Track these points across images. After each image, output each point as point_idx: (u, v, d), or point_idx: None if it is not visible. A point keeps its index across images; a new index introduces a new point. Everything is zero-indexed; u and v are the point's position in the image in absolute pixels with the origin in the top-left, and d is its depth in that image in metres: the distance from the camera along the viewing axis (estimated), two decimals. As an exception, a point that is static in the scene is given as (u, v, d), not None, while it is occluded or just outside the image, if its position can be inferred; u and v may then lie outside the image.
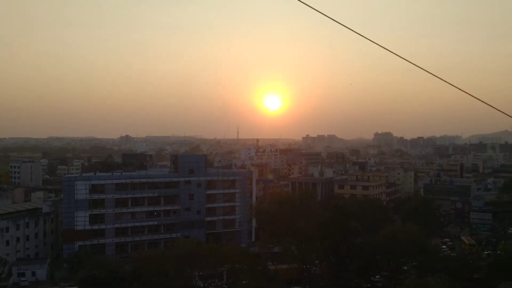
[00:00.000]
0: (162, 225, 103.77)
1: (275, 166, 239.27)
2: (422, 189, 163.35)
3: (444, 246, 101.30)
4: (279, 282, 66.05)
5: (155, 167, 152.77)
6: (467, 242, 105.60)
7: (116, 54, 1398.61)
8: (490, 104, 18.00)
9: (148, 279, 55.68)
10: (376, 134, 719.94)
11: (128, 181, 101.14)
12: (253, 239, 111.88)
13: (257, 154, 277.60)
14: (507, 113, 18.45)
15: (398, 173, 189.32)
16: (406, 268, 73.84)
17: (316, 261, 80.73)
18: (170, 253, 63.37)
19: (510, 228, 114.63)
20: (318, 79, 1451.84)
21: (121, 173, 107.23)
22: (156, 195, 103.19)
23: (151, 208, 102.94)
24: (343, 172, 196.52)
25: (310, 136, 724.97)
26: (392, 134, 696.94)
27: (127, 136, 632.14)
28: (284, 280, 76.75)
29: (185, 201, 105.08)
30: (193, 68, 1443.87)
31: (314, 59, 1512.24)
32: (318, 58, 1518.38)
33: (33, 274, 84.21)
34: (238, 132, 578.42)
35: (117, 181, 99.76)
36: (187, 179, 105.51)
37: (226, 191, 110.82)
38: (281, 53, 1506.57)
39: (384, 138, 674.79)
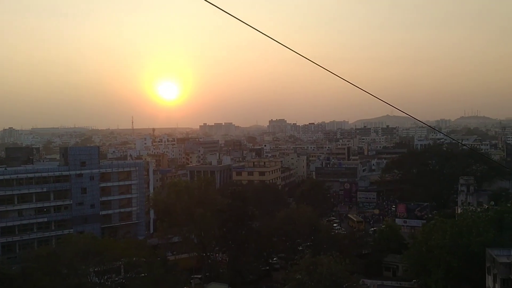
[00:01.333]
0: (53, 221, 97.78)
1: (173, 155, 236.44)
2: (314, 172, 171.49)
3: (335, 225, 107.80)
4: (179, 272, 65.76)
5: (44, 161, 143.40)
6: (355, 219, 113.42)
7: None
8: (369, 92, 19.52)
9: (39, 278, 52.45)
10: (271, 121, 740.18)
11: (13, 176, 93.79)
12: (152, 231, 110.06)
13: (154, 144, 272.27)
14: (384, 100, 20.13)
15: (292, 158, 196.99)
16: (301, 248, 77.47)
17: (216, 248, 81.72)
18: (63, 250, 60.32)
19: (393, 206, 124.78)
20: (215, 68, 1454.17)
21: (5, 169, 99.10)
22: (45, 190, 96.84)
23: (40, 205, 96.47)
24: (241, 159, 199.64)
25: (207, 124, 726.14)
26: (285, 120, 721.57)
27: (10, 128, 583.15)
28: (185, 270, 76.80)
29: (77, 196, 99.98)
30: (80, 54, 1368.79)
31: (210, 49, 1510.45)
32: (214, 48, 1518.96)
33: None
34: (132, 122, 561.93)
35: (1, 177, 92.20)
36: (78, 172, 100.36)
37: (122, 183, 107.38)
38: (177, 42, 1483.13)
39: (278, 125, 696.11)
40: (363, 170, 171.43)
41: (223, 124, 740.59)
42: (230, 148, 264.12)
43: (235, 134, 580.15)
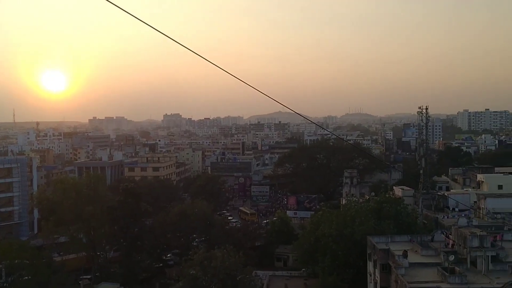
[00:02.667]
0: None
1: (59, 151, 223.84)
2: (209, 167, 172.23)
3: (230, 218, 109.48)
4: (66, 273, 62.47)
5: None
6: (248, 212, 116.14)
7: None
8: (258, 89, 20.17)
9: None
10: (165, 116, 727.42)
11: None
12: (36, 231, 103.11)
13: (38, 138, 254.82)
14: (273, 98, 20.90)
15: (187, 153, 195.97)
16: (195, 243, 77.52)
17: (107, 247, 78.94)
18: None
19: (285, 198, 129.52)
20: (106, 61, 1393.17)
21: None
22: None
23: None
24: (133, 154, 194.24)
25: (97, 118, 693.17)
26: (181, 115, 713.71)
27: None
28: (73, 270, 73.04)
29: None
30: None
31: (101, 41, 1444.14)
32: (105, 41, 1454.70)
33: None
34: (14, 115, 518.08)
35: None
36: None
37: (2, 180, 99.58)
38: (63, 31, 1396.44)
39: (173, 120, 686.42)
40: (257, 165, 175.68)
41: (115, 118, 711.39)
42: (122, 143, 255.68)
43: (127, 128, 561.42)
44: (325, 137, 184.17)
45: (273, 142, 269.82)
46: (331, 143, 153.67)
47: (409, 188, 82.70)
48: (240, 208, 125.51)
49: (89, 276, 72.88)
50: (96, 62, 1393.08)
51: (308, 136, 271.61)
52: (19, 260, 55.68)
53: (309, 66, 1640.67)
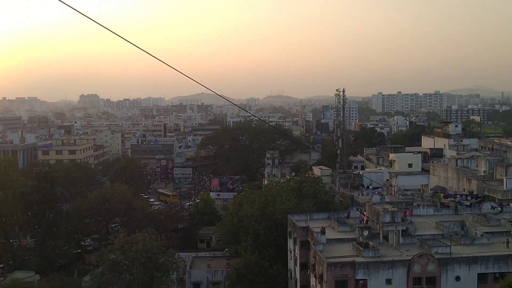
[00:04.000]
0: None
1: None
2: (129, 149, 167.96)
3: (152, 200, 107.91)
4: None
5: None
6: (169, 193, 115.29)
7: None
8: (179, 70, 19.91)
9: None
10: (81, 96, 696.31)
11: None
12: None
13: None
14: (194, 79, 20.74)
15: (106, 135, 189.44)
16: (116, 227, 75.69)
17: (20, 234, 74.96)
18: None
19: (208, 180, 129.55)
20: (15, 37, 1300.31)
21: None
22: None
23: None
24: (48, 137, 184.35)
25: (7, 99, 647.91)
26: (98, 96, 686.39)
27: None
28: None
29: None
30: None
31: (9, 16, 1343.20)
32: (13, 15, 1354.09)
33: None
34: None
35: None
36: None
37: None
38: None
39: (90, 100, 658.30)
40: (180, 147, 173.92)
41: (26, 98, 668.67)
42: (35, 125, 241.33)
43: (40, 109, 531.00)
44: (248, 119, 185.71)
45: (196, 124, 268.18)
46: (254, 125, 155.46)
47: (327, 168, 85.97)
48: (159, 190, 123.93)
49: (1, 265, 69.04)
50: (6, 39, 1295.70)
51: (231, 118, 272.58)
52: None
53: (232, 48, 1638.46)
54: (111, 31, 16.29)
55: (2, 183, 72.21)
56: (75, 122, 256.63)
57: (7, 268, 66.61)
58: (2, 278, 56.26)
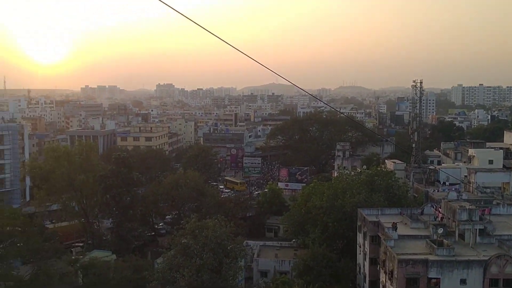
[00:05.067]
0: None
1: (51, 119, 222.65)
2: (201, 138, 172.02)
3: (221, 187, 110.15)
4: (58, 241, 62.74)
5: None
6: (237, 181, 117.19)
7: None
8: (255, 59, 19.84)
9: None
10: (158, 86, 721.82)
11: None
12: (28, 199, 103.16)
13: (29, 106, 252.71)
14: (269, 68, 20.61)
15: (180, 124, 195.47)
16: (187, 213, 77.92)
17: (99, 215, 79.22)
18: None
19: (277, 171, 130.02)
20: (98, 29, 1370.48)
21: None
22: None
23: None
24: (126, 124, 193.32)
25: (90, 87, 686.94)
26: (173, 85, 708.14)
27: None
28: (65, 238, 73.37)
29: None
30: None
31: (89, 8, 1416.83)
32: (94, 8, 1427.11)
33: None
34: (4, 82, 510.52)
35: None
36: None
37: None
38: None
39: (166, 90, 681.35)
40: (249, 136, 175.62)
41: (107, 87, 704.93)
42: (114, 112, 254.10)
43: (120, 97, 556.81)
44: (319, 109, 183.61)
45: (266, 114, 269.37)
46: (324, 116, 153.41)
47: (401, 162, 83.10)
48: (226, 177, 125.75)
49: (81, 244, 73.41)
50: (89, 30, 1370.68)
51: (301, 108, 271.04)
52: (11, 227, 55.70)
53: (304, 37, 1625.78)
54: (188, 18, 16.50)
55: (84, 166, 76.47)
56: (152, 110, 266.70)
57: (87, 247, 70.75)
58: (81, 256, 59.87)
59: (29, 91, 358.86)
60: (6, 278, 48.24)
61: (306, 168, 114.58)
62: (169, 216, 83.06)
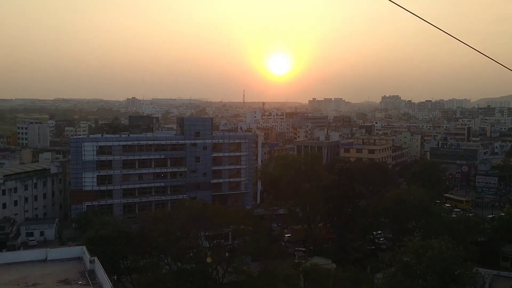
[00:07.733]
0: (169, 186, 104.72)
1: (281, 129, 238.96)
2: (428, 152, 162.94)
3: (447, 205, 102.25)
4: (283, 243, 66.81)
5: (162, 130, 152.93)
6: (462, 199, 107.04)
7: (122, 16, 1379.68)
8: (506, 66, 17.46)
9: (154, 238, 56.35)
10: (383, 98, 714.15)
11: (135, 143, 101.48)
12: (258, 201, 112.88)
13: (263, 117, 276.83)
14: (517, 73, 17.88)
15: (405, 137, 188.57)
16: (410, 229, 74.23)
17: (320, 224, 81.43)
18: (177, 214, 63.78)
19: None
20: (325, 43, 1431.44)
21: (128, 135, 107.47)
22: (162, 157, 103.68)
23: (158, 170, 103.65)
24: (350, 135, 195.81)
25: (316, 99, 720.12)
26: (400, 97, 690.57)
27: (133, 98, 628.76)
28: (289, 241, 77.68)
29: (191, 163, 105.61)
30: (198, 30, 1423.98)
31: (319, 23, 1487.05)
32: (323, 22, 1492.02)
33: (42, 233, 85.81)
34: (244, 95, 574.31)
35: (124, 143, 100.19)
36: (193, 141, 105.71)
37: (232, 154, 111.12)
38: (287, 18, 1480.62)
39: (391, 102, 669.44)
40: (484, 153, 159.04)
41: (333, 99, 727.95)
42: (338, 124, 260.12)
43: (344, 110, 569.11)
44: None
45: (505, 128, 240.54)
46: None
47: None
48: (446, 194, 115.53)
49: (303, 249, 76.60)
50: (316, 45, 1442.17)
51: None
52: (244, 226, 61.32)
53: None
54: (438, 29, 15.39)
55: (309, 175, 79.85)
56: (376, 123, 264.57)
57: (308, 252, 73.50)
58: (303, 261, 62.35)
59: (263, 103, 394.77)
60: (238, 271, 53.26)
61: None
62: (389, 233, 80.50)
